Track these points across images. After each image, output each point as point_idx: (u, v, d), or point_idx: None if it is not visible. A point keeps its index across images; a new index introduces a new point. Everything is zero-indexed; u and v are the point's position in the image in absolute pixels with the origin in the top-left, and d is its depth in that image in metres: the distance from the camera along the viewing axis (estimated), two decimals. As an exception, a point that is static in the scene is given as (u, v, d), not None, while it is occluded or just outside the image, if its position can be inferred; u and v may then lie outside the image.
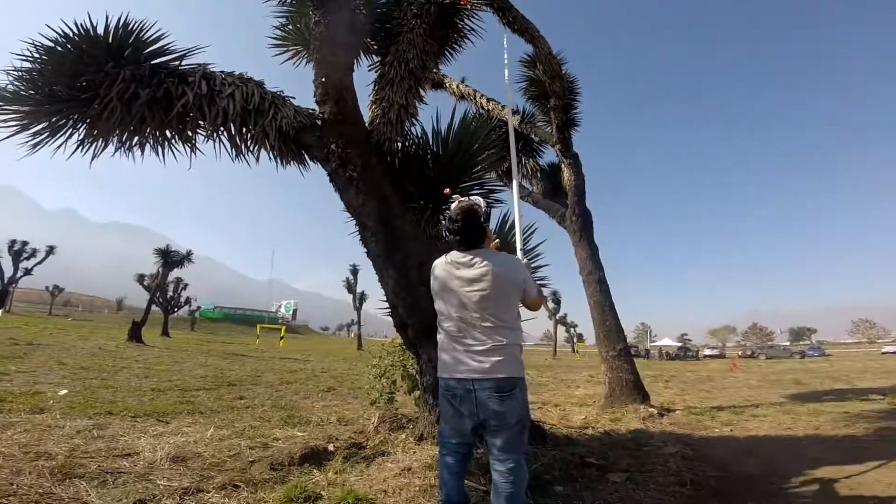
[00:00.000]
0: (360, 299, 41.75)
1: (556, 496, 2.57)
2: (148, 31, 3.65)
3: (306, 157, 4.09)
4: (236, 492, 2.49)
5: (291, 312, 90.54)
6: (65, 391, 5.52)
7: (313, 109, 4.14)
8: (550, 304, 42.21)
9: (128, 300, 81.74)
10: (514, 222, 4.51)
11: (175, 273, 28.26)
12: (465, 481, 2.29)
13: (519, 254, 3.41)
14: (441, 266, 2.16)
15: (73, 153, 3.66)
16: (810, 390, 9.87)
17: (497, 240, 2.51)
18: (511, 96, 4.88)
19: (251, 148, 3.84)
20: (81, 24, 3.42)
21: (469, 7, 4.96)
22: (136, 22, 3.59)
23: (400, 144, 4.32)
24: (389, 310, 3.97)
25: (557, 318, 45.07)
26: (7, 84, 3.40)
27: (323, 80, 4.00)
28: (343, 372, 12.83)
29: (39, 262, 36.09)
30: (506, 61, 4.94)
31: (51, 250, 36.67)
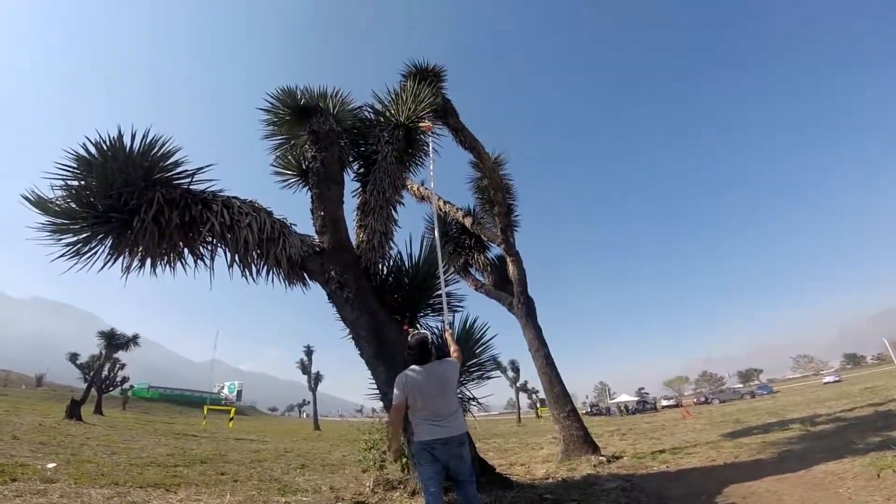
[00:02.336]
0: (316, 380, 40.21)
1: (523, 527, 3.36)
2: (164, 147, 4.16)
3: (307, 279, 4.83)
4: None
5: (235, 393, 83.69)
6: (53, 464, 5.64)
7: (310, 235, 4.91)
8: (510, 373, 42.98)
9: (48, 376, 73.34)
10: (473, 321, 5.48)
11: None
12: None
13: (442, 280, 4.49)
14: (408, 377, 3.35)
15: (102, 268, 4.13)
16: (745, 427, 10.73)
17: (458, 350, 3.75)
18: (434, 184, 6.00)
19: (260, 270, 4.52)
20: (114, 138, 3.87)
21: (431, 131, 6.16)
22: (155, 137, 4.12)
23: (382, 266, 5.16)
24: (380, 396, 4.61)
25: (518, 385, 44.85)
26: (56, 197, 3.83)
27: (322, 213, 4.87)
28: (308, 451, 12.63)
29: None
30: (432, 156, 6.01)
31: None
